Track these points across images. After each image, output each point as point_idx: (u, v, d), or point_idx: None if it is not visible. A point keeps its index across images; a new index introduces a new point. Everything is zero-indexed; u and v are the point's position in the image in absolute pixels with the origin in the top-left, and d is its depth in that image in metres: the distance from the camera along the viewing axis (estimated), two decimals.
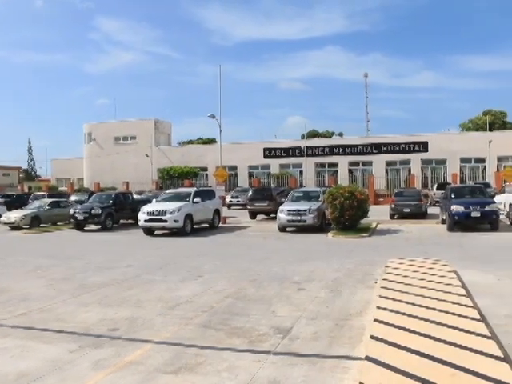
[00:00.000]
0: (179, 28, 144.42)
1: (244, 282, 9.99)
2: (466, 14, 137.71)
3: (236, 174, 52.08)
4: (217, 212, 23.32)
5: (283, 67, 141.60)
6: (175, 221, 20.01)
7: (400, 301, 7.49)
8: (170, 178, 51.82)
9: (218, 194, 24.99)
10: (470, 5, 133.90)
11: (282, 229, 20.90)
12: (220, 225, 23.73)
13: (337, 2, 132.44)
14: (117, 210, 24.44)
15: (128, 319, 7.38)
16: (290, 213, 20.37)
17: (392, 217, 25.82)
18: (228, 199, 37.76)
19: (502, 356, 5.20)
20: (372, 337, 5.89)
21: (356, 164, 49.81)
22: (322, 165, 50.99)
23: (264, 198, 28.01)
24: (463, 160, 47.08)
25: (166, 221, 20.07)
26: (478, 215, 19.03)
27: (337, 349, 5.88)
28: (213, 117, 29.82)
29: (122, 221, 25.60)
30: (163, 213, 20.12)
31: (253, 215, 27.83)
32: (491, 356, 5.17)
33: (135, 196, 30.09)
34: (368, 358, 5.18)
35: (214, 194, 24.24)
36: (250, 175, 52.30)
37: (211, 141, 64.77)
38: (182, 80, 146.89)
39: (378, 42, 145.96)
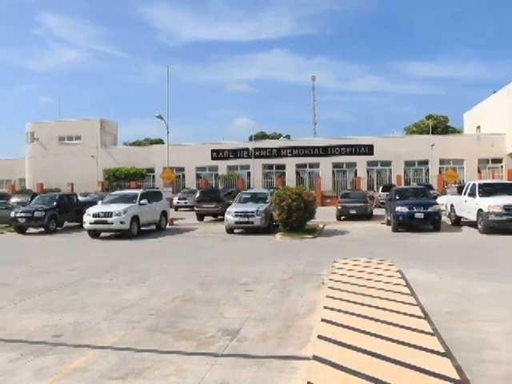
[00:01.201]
0: (125, 26, 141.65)
1: (192, 284, 9.91)
2: (409, 22, 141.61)
3: (183, 176, 51.66)
4: (164, 214, 23.08)
5: (231, 69, 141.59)
6: (121, 223, 19.65)
7: (347, 300, 7.61)
8: (116, 179, 50.93)
9: (165, 196, 24.75)
10: (413, 14, 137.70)
11: (230, 230, 20.87)
12: (167, 227, 23.49)
13: (286, 5, 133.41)
14: (61, 212, 23.73)
15: (72, 324, 7.17)
16: (237, 214, 20.37)
17: (339, 218, 26.25)
18: (175, 201, 37.41)
19: (444, 351, 5.38)
20: (320, 336, 5.95)
21: (303, 166, 50.37)
22: (270, 166, 51.30)
23: (211, 199, 27.92)
24: (407, 162, 48.49)
25: (111, 223, 19.67)
26: (422, 216, 19.61)
27: (285, 349, 5.90)
28: (160, 117, 29.47)
29: (66, 223, 24.92)
30: (109, 214, 19.71)
31: (200, 217, 27.69)
32: (434, 352, 5.34)
33: (80, 198, 29.29)
34: (316, 358, 5.23)
35: (161, 196, 23.99)
36: (198, 176, 52.03)
37: (158, 142, 63.96)
38: (129, 80, 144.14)
39: (325, 46, 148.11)
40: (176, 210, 36.19)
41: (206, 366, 5.35)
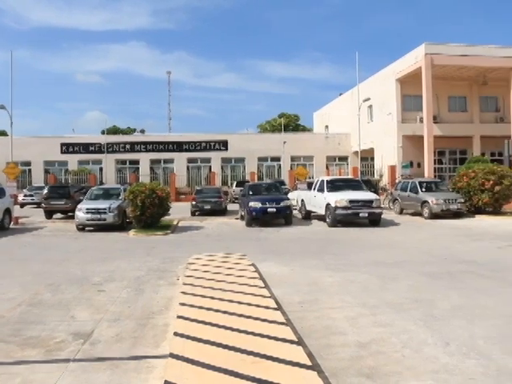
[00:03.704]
0: None
1: (39, 287, 9.29)
2: (266, 22, 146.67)
3: (30, 171, 48.31)
4: (7, 212, 21.34)
5: (83, 59, 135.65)
6: None
7: (202, 296, 7.65)
8: None
9: (8, 192, 22.90)
10: (270, 14, 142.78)
11: (81, 228, 19.99)
12: (11, 226, 21.80)
13: None
14: None
15: None
16: (89, 211, 19.56)
17: (193, 214, 26.34)
18: (21, 198, 34.87)
19: (297, 340, 5.63)
20: (176, 333, 5.91)
21: (158, 161, 49.73)
22: (123, 162, 49.91)
23: (61, 196, 26.42)
24: (260, 159, 50.02)
25: None
26: (274, 211, 20.36)
27: (141, 349, 5.77)
28: (3, 107, 27.24)
29: None
30: None
31: (49, 214, 26.08)
32: (287, 341, 5.56)
33: None
34: (172, 355, 5.18)
35: (5, 192, 22.15)
36: (46, 172, 48.93)
37: (1, 134, 59.18)
38: None
39: (183, 42, 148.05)
40: (22, 207, 33.77)
41: (56, 374, 5.03)
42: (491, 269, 10.26)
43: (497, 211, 22.42)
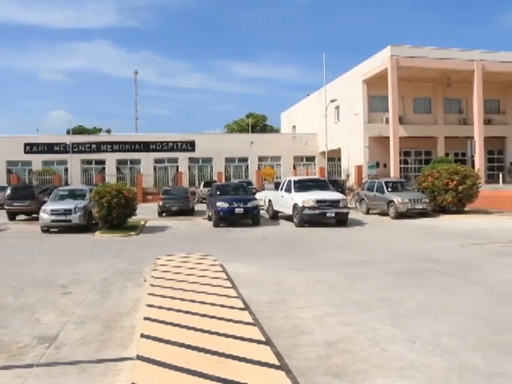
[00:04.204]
0: None
1: (2, 290, 9.06)
2: (233, 22, 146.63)
3: None
4: None
5: (49, 57, 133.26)
6: None
7: (170, 297, 7.60)
8: None
9: None
10: (237, 15, 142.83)
11: (46, 230, 19.60)
12: None
13: None
14: None
15: None
16: (53, 212, 19.20)
17: (160, 214, 26.14)
18: None
19: (265, 340, 5.64)
20: (143, 335, 5.85)
21: (124, 162, 49.13)
22: (89, 162, 49.13)
23: (24, 197, 25.82)
24: (228, 159, 49.91)
25: None
26: (241, 211, 20.35)
27: (107, 351, 5.68)
28: None
29: None
30: None
31: (12, 216, 25.49)
32: (255, 341, 5.57)
33: None
34: (139, 357, 5.13)
35: None
36: (9, 172, 47.77)
37: None
38: None
39: (150, 41, 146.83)
40: None
41: (19, 380, 4.90)
42: (455, 267, 10.46)
43: (460, 210, 22.88)
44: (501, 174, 40.77)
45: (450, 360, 5.18)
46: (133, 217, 20.54)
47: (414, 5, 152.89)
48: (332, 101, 36.91)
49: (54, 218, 19.17)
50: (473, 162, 33.65)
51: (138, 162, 48.88)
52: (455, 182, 22.28)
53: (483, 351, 5.41)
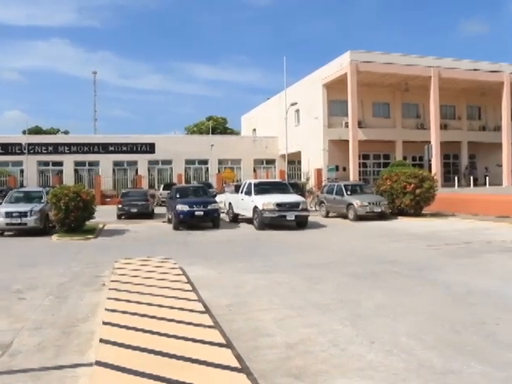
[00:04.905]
0: None
1: None
2: (194, 24, 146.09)
3: None
4: None
5: (2, 55, 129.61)
6: None
7: (129, 301, 7.49)
8: None
9: None
10: (198, 17, 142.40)
11: (0, 233, 19.08)
12: None
13: None
14: None
15: None
16: (8, 215, 18.66)
17: (119, 217, 25.80)
18: None
19: (225, 343, 5.63)
20: (101, 340, 5.75)
21: (82, 163, 48.23)
22: (46, 163, 48.01)
23: None
24: (188, 161, 49.61)
25: None
26: (202, 214, 20.25)
27: (65, 358, 5.56)
28: None
29: None
30: None
31: None
32: (216, 344, 5.55)
33: None
34: (98, 363, 5.03)
35: None
36: None
37: None
38: None
39: (109, 41, 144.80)
40: None
41: None
42: (412, 268, 10.67)
43: (418, 213, 23.35)
44: (456, 178, 41.98)
45: (408, 359, 5.28)
46: (91, 220, 20.16)
47: (376, 11, 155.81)
48: (292, 104, 37.21)
49: (8, 220, 18.63)
50: (430, 166, 34.44)
51: (96, 163, 48.07)
52: (413, 186, 22.73)
53: (440, 350, 5.53)
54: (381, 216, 22.56)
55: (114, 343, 5.60)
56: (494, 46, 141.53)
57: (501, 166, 43.17)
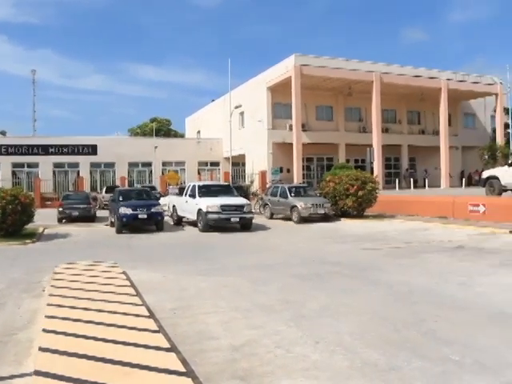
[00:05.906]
0: None
1: None
2: (138, 24, 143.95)
3: None
4: None
5: None
6: None
7: (71, 307, 7.29)
8: None
9: None
10: (142, 17, 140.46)
11: None
12: None
13: None
14: None
15: None
16: None
17: (60, 221, 25.11)
18: None
19: (170, 347, 5.57)
20: (41, 348, 5.56)
21: (21, 165, 46.57)
22: None
23: None
24: (131, 164, 48.78)
25: None
26: (145, 217, 19.99)
27: (1, 369, 5.32)
28: None
29: None
30: None
31: None
32: (160, 349, 5.49)
33: None
34: (37, 373, 4.86)
35: None
36: None
37: None
38: None
39: (50, 39, 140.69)
40: None
41: None
42: (354, 269, 10.89)
43: (360, 214, 23.84)
44: (397, 180, 43.24)
45: (352, 358, 5.38)
46: (30, 224, 19.55)
47: (321, 18, 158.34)
48: (237, 107, 37.29)
49: None
50: (372, 169, 35.27)
51: (35, 165, 46.53)
52: (355, 187, 23.18)
53: (382, 348, 5.66)
54: (324, 218, 22.90)
55: (55, 351, 5.43)
56: (433, 53, 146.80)
57: (439, 169, 44.80)
